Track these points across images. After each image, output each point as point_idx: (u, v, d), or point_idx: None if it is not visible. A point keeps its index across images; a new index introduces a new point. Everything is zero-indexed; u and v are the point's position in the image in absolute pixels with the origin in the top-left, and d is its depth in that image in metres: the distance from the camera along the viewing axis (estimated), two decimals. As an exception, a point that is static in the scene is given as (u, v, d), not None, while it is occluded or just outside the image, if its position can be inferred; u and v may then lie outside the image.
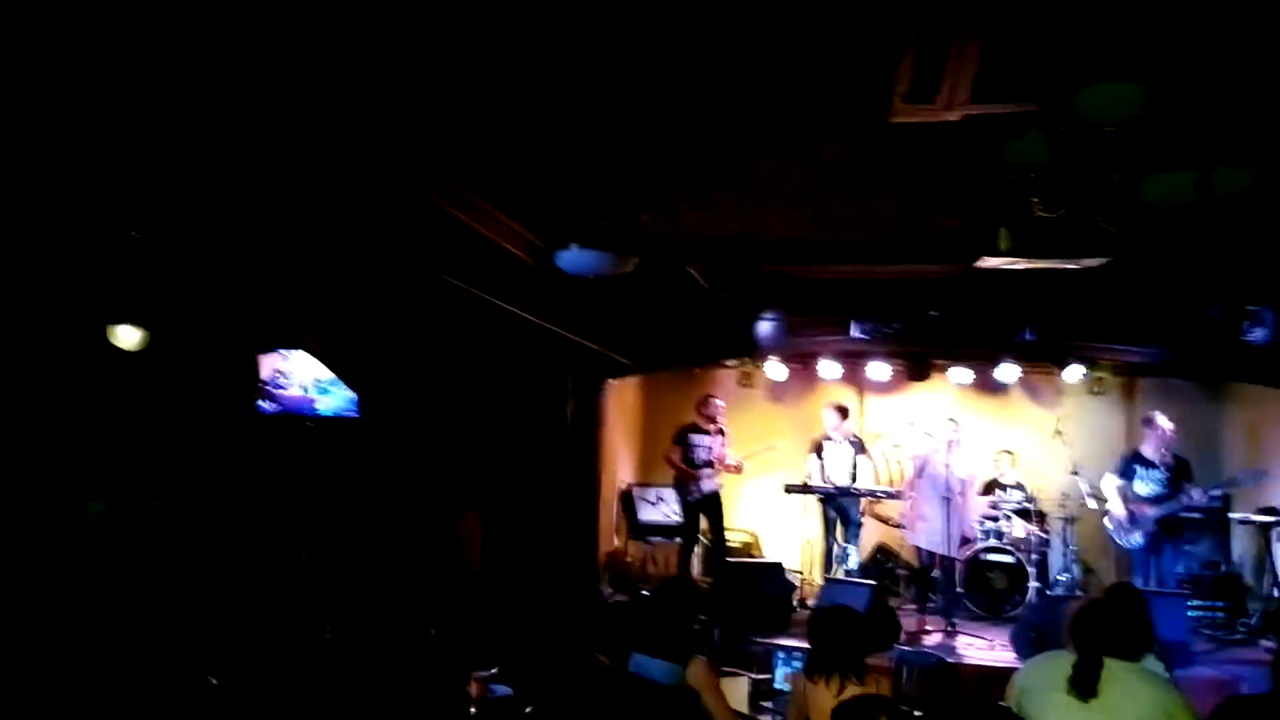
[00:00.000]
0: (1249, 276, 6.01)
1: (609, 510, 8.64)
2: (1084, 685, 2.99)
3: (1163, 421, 7.44)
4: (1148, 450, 7.48)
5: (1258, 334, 6.28)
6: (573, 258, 4.68)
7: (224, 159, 3.83)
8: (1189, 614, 7.03)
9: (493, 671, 4.70)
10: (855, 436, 8.54)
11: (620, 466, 9.16)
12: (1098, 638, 3.09)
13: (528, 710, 4.52)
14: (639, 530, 8.84)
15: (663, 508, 8.81)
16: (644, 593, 7.62)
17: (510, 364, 6.96)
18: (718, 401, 8.51)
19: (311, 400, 8.34)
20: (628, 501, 9.00)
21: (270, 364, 8.37)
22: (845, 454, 8.42)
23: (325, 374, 8.21)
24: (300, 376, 8.35)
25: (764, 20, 3.16)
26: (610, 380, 7.81)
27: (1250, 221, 2.33)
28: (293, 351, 8.29)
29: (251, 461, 7.70)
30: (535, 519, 6.95)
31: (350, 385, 8.06)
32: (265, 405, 8.34)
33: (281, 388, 8.38)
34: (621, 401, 8.84)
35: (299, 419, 8.23)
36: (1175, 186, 2.23)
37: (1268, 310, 6.18)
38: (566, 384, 7.20)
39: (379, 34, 3.18)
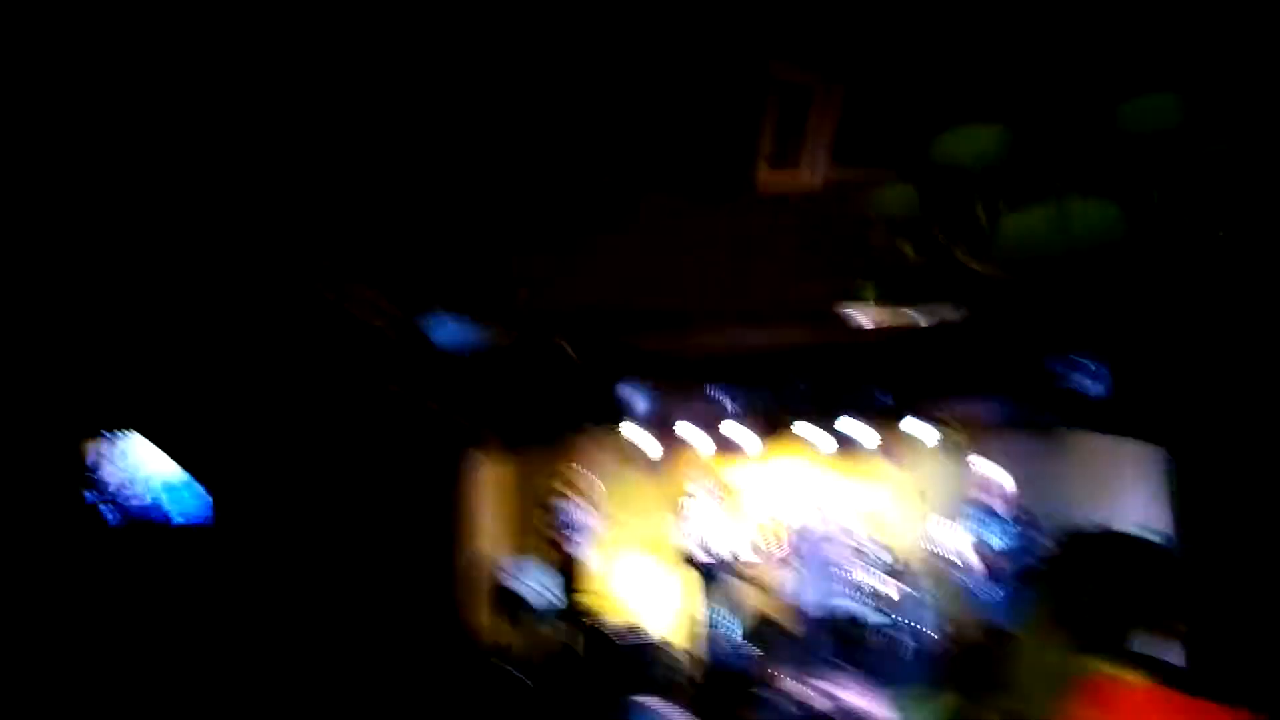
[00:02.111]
0: (1085, 330, 6.42)
1: (483, 590, 8.37)
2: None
3: (1002, 478, 7.82)
4: (996, 505, 7.83)
5: (1094, 387, 6.73)
6: (449, 331, 4.60)
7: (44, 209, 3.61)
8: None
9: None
10: (718, 494, 8.64)
11: (493, 543, 8.93)
12: None
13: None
14: (511, 608, 8.57)
15: (533, 584, 8.61)
16: (512, 671, 7.35)
17: (380, 446, 6.68)
18: (579, 468, 8.55)
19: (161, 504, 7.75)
20: (500, 579, 8.74)
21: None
22: (711, 512, 8.50)
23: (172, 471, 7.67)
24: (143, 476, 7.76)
25: (633, 91, 3.26)
26: (483, 458, 7.62)
27: (1101, 268, 2.53)
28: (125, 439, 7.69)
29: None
30: (416, 610, 6.60)
31: (202, 483, 7.54)
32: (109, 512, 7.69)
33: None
34: (495, 479, 8.67)
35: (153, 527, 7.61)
36: (1034, 224, 2.40)
37: (1103, 364, 6.63)
38: (454, 465, 6.95)
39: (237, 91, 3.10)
